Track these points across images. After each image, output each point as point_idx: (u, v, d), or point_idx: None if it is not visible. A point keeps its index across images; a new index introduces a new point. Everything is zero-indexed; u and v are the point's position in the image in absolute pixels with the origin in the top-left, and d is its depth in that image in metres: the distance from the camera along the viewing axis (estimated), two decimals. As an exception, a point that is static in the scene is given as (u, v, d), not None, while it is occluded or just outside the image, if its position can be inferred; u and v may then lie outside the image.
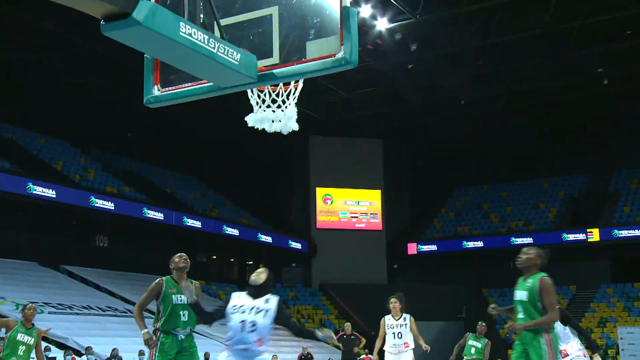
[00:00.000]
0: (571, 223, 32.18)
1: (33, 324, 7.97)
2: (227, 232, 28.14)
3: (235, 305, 5.17)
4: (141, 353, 15.96)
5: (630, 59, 26.15)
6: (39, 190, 21.24)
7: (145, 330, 6.29)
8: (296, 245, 32.25)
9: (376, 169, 34.50)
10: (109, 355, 15.59)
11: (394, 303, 9.71)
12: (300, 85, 4.88)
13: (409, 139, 34.54)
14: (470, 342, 13.05)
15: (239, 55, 4.00)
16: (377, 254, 33.68)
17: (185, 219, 26.25)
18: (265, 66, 4.21)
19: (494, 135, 33.54)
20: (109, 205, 23.40)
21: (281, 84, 4.80)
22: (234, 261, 33.29)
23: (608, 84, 27.33)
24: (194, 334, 6.62)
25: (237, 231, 28.75)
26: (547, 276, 5.94)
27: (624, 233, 29.63)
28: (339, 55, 4.07)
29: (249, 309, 5.14)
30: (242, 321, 5.11)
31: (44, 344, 14.04)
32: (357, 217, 34.45)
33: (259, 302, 5.17)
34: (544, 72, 27.14)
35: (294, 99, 4.85)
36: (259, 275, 5.22)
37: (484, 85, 28.54)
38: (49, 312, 18.61)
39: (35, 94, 25.64)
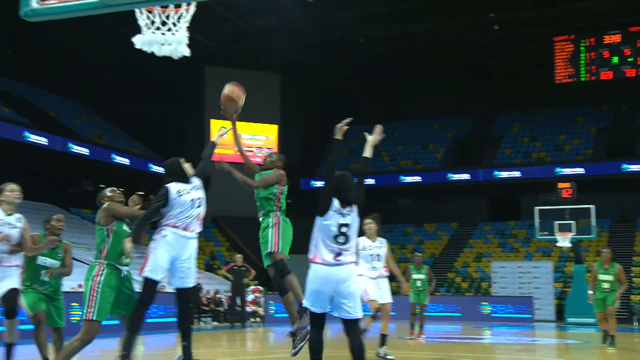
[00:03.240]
0: (456, 164, 33.72)
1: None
2: (116, 160, 27.22)
3: (179, 191, 6.03)
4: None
5: (521, 6, 27.19)
6: None
7: None
8: (188, 175, 31.70)
9: (273, 103, 34.30)
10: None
11: (369, 224, 9.09)
12: (193, 9, 4.68)
13: (306, 74, 34.49)
14: (414, 275, 13.55)
15: (126, -30, 3.78)
16: (270, 188, 33.84)
17: (70, 144, 25.10)
18: (154, -15, 4.01)
19: (388, 75, 34.17)
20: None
21: (172, 6, 4.59)
22: (123, 191, 32.27)
23: (498, 30, 28.38)
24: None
25: (128, 160, 27.88)
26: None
27: (504, 174, 31.44)
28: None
29: (188, 190, 6.13)
30: (192, 199, 6.08)
31: None
32: (252, 151, 34.28)
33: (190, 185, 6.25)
34: (437, 15, 27.70)
35: (186, 22, 4.66)
36: (188, 170, 6.27)
37: (379, 24, 28.79)
38: None
39: None
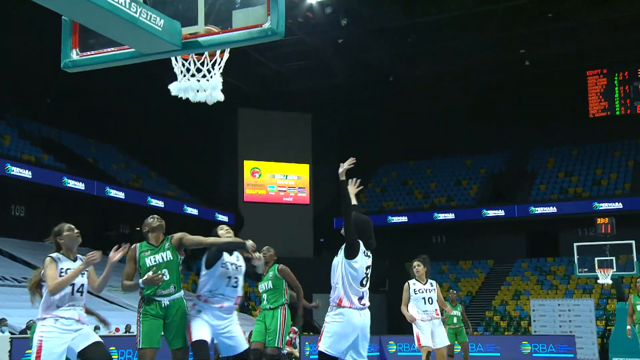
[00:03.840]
0: (491, 200, 33.35)
1: None
2: (151, 203, 27.59)
3: (224, 260, 5.69)
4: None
5: (551, 42, 27.13)
6: (-50, 156, 20.17)
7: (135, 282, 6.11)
8: (223, 217, 32.00)
9: (305, 143, 34.57)
10: (24, 327, 15.12)
11: (417, 267, 8.81)
12: (227, 55, 4.79)
13: (338, 113, 34.76)
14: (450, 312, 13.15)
15: (162, 21, 3.89)
16: (304, 227, 33.91)
17: (108, 189, 25.57)
18: (189, 34, 4.12)
19: (420, 113, 34.22)
20: (27, 173, 22.51)
21: (206, 53, 4.70)
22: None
23: (529, 65, 28.31)
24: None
25: (162, 203, 28.24)
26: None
27: (539, 210, 30.97)
28: (266, 25, 4.02)
29: (231, 264, 5.75)
30: (229, 277, 5.72)
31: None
32: (284, 190, 34.51)
33: (234, 257, 5.79)
34: (468, 52, 27.81)
35: (220, 68, 4.76)
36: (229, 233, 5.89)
37: (411, 63, 28.99)
38: (-39, 284, 17.84)
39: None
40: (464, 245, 33.00)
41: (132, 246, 6.19)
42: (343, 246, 5.22)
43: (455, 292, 14.12)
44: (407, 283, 8.83)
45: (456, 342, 12.97)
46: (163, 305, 5.98)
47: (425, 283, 8.85)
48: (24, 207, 24.87)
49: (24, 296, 19.38)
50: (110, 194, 25.59)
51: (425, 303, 8.70)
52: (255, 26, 4.07)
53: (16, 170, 22.16)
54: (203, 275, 5.98)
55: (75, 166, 26.05)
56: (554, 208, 30.78)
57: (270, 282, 7.68)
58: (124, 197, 26.15)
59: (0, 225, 23.37)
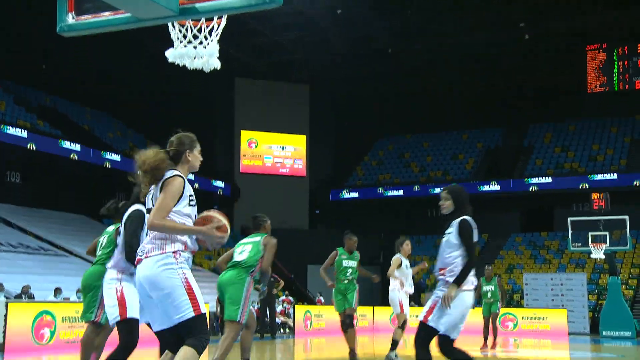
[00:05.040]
0: (487, 174, 33.41)
1: None
2: (147, 172, 27.53)
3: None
4: (58, 291, 15.65)
5: (551, 17, 26.94)
6: (-56, 121, 20.05)
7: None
8: (219, 184, 31.92)
9: (302, 114, 34.46)
10: (19, 291, 15.22)
11: (408, 245, 9.50)
12: (224, 22, 4.75)
13: (336, 86, 34.60)
14: (485, 287, 13.66)
15: (159, -15, 3.84)
16: (299, 199, 33.97)
17: (104, 153, 25.54)
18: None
19: (418, 87, 34.07)
20: (22, 133, 22.43)
21: (203, 20, 4.66)
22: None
23: (528, 40, 28.13)
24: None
25: (158, 172, 28.18)
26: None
27: (535, 183, 31.05)
28: (264, -8, 3.97)
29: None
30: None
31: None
32: (281, 162, 34.49)
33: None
34: (467, 27, 27.59)
35: (217, 36, 4.72)
36: None
37: (410, 37, 28.76)
38: (-43, 249, 17.90)
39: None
40: (459, 219, 33.07)
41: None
42: (457, 224, 4.97)
43: (490, 267, 14.56)
44: (398, 257, 9.35)
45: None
46: None
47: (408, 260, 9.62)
48: (19, 174, 24.85)
49: (20, 262, 19.55)
50: (107, 157, 25.51)
51: (409, 278, 9.54)
52: (254, -8, 4.02)
53: (12, 130, 22.06)
54: None
55: (71, 133, 25.95)
56: (549, 180, 30.87)
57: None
58: (120, 162, 26.03)
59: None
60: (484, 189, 31.93)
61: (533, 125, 35.42)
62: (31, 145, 22.67)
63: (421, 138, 37.06)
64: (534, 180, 31.20)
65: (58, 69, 27.61)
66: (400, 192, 33.13)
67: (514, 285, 28.01)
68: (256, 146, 34.00)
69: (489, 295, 13.79)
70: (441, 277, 4.97)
